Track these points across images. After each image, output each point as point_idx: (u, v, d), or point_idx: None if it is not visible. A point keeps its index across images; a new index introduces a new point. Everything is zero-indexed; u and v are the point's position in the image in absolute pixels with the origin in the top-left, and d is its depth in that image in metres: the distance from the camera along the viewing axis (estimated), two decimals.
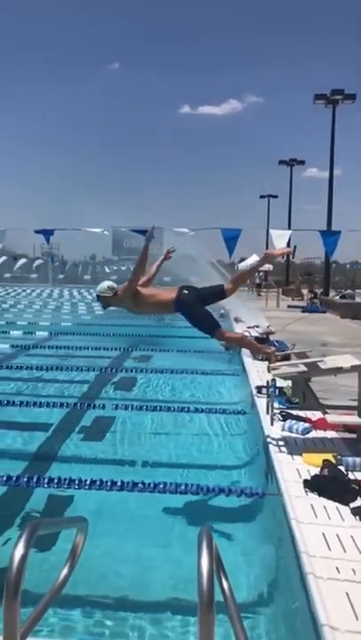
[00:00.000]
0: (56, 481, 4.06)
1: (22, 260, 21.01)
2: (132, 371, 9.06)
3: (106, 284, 4.96)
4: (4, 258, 19.81)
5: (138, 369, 9.20)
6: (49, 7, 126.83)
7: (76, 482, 4.03)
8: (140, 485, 3.93)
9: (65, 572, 2.23)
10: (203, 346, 10.76)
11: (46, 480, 4.12)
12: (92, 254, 59.72)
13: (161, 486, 3.90)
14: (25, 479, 4.17)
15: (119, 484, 3.97)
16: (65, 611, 2.77)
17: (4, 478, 4.15)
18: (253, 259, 12.84)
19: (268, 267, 28.01)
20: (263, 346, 5.02)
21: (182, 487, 3.92)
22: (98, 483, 3.99)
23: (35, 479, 4.13)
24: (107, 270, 45.51)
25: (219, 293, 4.79)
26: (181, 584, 3.09)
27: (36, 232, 14.58)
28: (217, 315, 16.55)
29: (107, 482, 4.01)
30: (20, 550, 1.56)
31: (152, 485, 3.92)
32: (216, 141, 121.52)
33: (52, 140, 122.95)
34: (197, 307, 4.63)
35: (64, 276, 42.66)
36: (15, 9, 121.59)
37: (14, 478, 4.17)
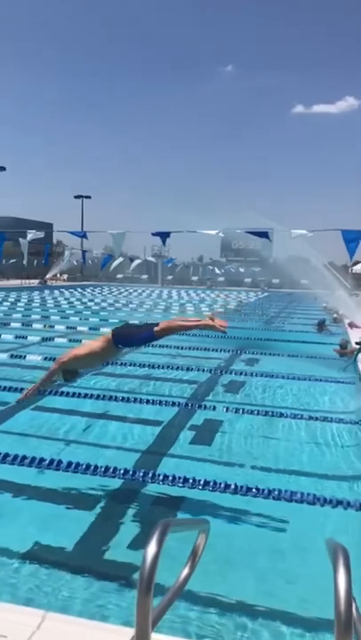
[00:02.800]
0: (171, 478, 4.13)
1: (137, 261, 21.77)
2: (241, 373, 9.00)
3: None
4: (120, 259, 20.64)
5: (247, 372, 9.13)
6: (163, 11, 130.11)
7: (190, 481, 4.07)
8: (253, 490, 3.88)
9: (186, 571, 2.26)
10: (315, 351, 10.48)
11: (161, 477, 4.20)
12: (199, 256, 60.59)
13: (276, 493, 3.83)
14: (140, 474, 4.28)
15: (233, 486, 3.95)
16: (185, 609, 2.81)
17: (122, 472, 4.30)
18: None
19: None
20: (200, 320, 4.49)
21: (298, 496, 3.82)
22: (212, 484, 4.00)
23: (150, 475, 4.24)
24: (216, 271, 45.84)
25: (149, 337, 4.63)
26: (298, 597, 3.01)
27: (154, 234, 14.98)
28: (330, 319, 15.96)
29: (220, 484, 4.01)
30: (152, 548, 1.60)
31: (266, 492, 3.86)
32: (331, 141, 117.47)
33: (165, 143, 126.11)
34: (134, 330, 4.74)
35: (172, 277, 43.61)
36: (129, 11, 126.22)
37: (131, 472, 4.31)
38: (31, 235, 18.21)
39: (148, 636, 1.54)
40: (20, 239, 19.31)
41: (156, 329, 4.44)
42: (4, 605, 2.57)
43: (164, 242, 14.97)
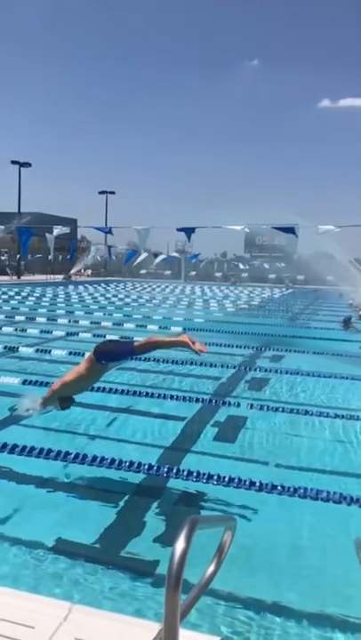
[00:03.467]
0: (195, 474, 4.13)
1: (161, 257, 21.78)
2: (266, 370, 8.96)
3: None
4: (144, 255, 20.68)
5: (272, 369, 9.08)
6: (189, 4, 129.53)
7: (215, 477, 4.07)
8: (279, 488, 3.86)
9: (212, 568, 2.26)
10: (341, 349, 10.37)
11: (185, 472, 4.21)
12: (222, 252, 60.40)
13: (301, 491, 3.80)
14: (165, 469, 4.29)
15: (258, 484, 3.93)
16: (209, 605, 2.81)
17: (146, 467, 4.31)
18: None
19: None
20: (177, 338, 4.49)
21: (324, 494, 3.78)
22: (236, 481, 3.99)
23: (175, 470, 4.25)
24: (240, 267, 45.59)
25: (130, 352, 4.70)
26: (321, 596, 2.99)
27: (179, 230, 14.96)
28: (356, 316, 15.69)
29: (245, 481, 3.99)
30: (181, 544, 1.60)
31: (291, 489, 3.84)
32: (359, 134, 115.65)
33: (190, 138, 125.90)
34: (115, 346, 4.79)
35: (196, 273, 43.54)
36: (155, 8, 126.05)
37: (155, 468, 4.33)
38: (57, 230, 18.39)
39: (177, 632, 1.54)
40: (47, 234, 19.52)
41: (135, 344, 4.55)
42: (31, 596, 2.61)
43: (188, 237, 14.93)
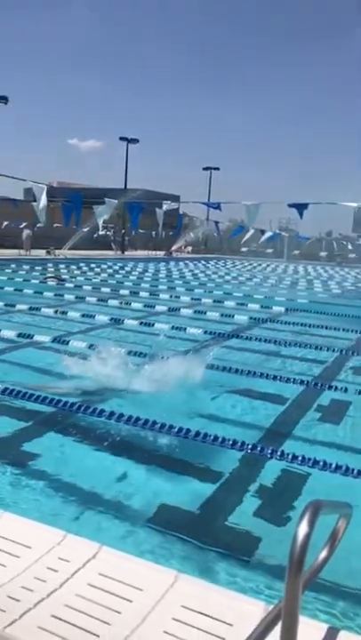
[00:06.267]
0: (300, 459, 4.04)
1: (268, 233, 21.31)
2: None
3: None
4: (251, 231, 20.35)
5: None
6: None
7: (321, 463, 3.95)
8: None
9: (324, 554, 2.19)
10: None
11: (290, 456, 4.13)
12: (328, 230, 58.09)
13: None
14: (268, 451, 4.24)
15: None
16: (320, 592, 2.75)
17: (249, 447, 4.28)
18: None
19: None
20: None
21: None
22: (344, 468, 3.85)
23: (279, 453, 4.18)
24: (350, 247, 43.66)
25: None
26: None
27: (290, 206, 14.50)
28: None
29: (353, 469, 3.84)
30: (303, 529, 1.55)
31: None
32: None
33: (294, 114, 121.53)
34: None
35: (299, 252, 42.38)
36: None
37: (259, 448, 4.29)
38: (166, 205, 18.63)
39: (297, 617, 1.50)
40: (157, 209, 19.90)
41: None
42: (140, 561, 2.69)
43: (300, 214, 14.38)
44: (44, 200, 13.78)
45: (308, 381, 6.82)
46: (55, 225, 32.55)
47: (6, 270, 20.13)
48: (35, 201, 17.78)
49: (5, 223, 32.75)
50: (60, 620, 2.22)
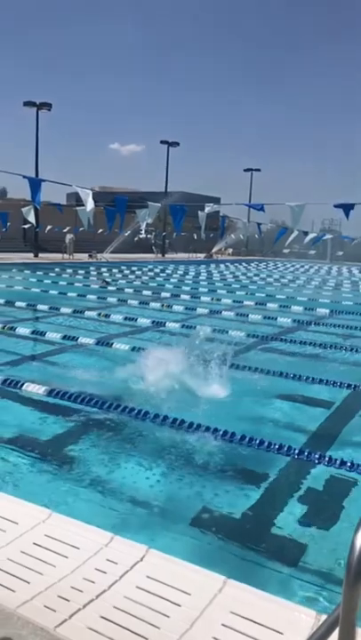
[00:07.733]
0: (349, 464, 3.94)
1: (312, 235, 20.90)
2: None
3: None
4: (295, 233, 19.97)
5: None
6: None
7: None
8: None
9: None
10: None
11: (338, 462, 4.03)
12: None
13: None
14: (316, 456, 4.15)
15: None
16: None
17: (296, 451, 4.21)
18: None
19: None
20: None
21: None
22: None
23: (326, 459, 4.09)
24: None
25: None
26: None
27: (336, 206, 14.12)
28: None
29: None
30: None
31: None
32: None
33: (336, 109, 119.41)
34: None
35: (343, 253, 41.56)
36: None
37: (306, 453, 4.20)
38: (209, 208, 18.53)
39: (355, 629, 1.45)
40: (199, 212, 19.84)
41: None
42: (186, 564, 2.67)
43: (347, 214, 13.97)
44: (90, 204, 13.90)
45: (354, 385, 6.65)
46: (99, 231, 32.97)
47: (50, 274, 20.55)
48: (79, 205, 18.01)
49: (49, 227, 33.41)
50: (109, 621, 2.23)
